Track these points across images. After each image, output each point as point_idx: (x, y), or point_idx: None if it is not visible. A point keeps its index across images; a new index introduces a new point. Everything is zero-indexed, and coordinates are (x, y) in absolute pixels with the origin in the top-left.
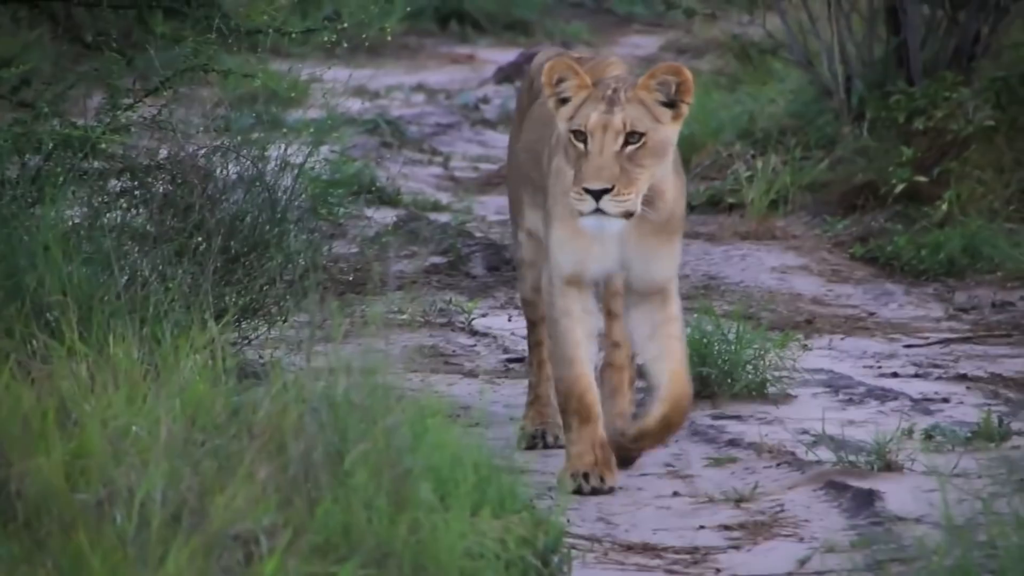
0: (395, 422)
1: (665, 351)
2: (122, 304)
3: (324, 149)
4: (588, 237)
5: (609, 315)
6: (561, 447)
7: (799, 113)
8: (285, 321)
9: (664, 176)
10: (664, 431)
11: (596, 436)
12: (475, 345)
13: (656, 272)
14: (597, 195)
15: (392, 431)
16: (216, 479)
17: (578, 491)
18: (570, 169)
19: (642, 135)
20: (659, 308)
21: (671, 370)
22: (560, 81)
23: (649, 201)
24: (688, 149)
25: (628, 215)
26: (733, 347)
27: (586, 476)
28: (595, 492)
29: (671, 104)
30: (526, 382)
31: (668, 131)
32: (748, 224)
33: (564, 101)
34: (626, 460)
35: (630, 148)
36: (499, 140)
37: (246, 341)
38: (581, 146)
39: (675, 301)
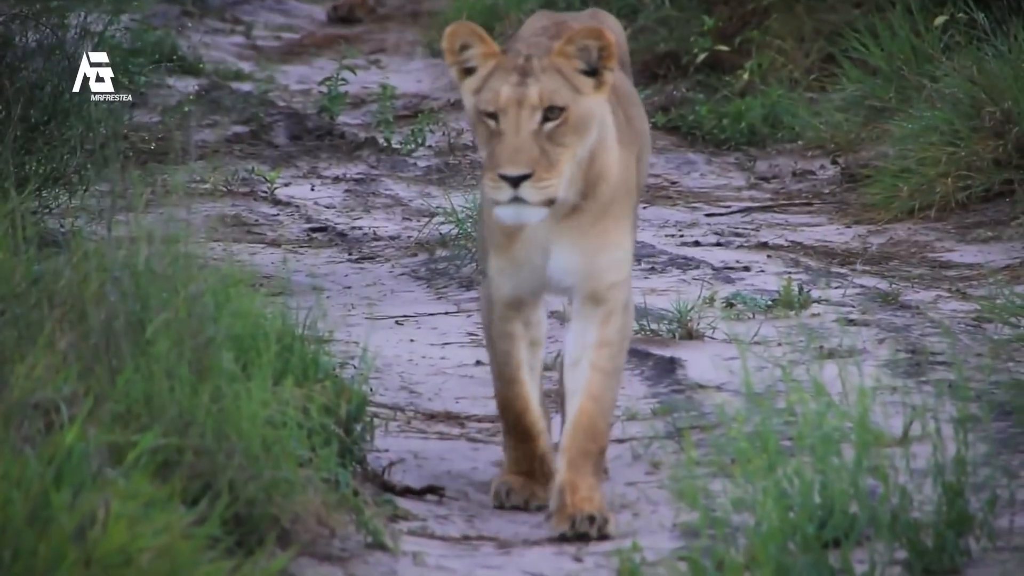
0: (197, 291)
1: (583, 386)
2: None
3: (124, 18)
4: (520, 246)
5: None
6: None
7: None
8: (86, 190)
9: (599, 152)
10: (570, 493)
11: (534, 452)
12: (278, 214)
13: (597, 273)
14: (514, 182)
15: (194, 300)
16: (16, 348)
17: (499, 506)
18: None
19: (562, 110)
20: (594, 328)
21: (575, 417)
22: (463, 48)
23: (588, 184)
24: (491, 18)
25: (550, 203)
26: None
27: (508, 493)
28: (516, 509)
29: (592, 72)
30: (329, 251)
31: (591, 103)
32: None
33: (469, 72)
34: None
35: (549, 125)
36: (302, 9)
37: (47, 210)
38: (493, 124)
39: (616, 319)
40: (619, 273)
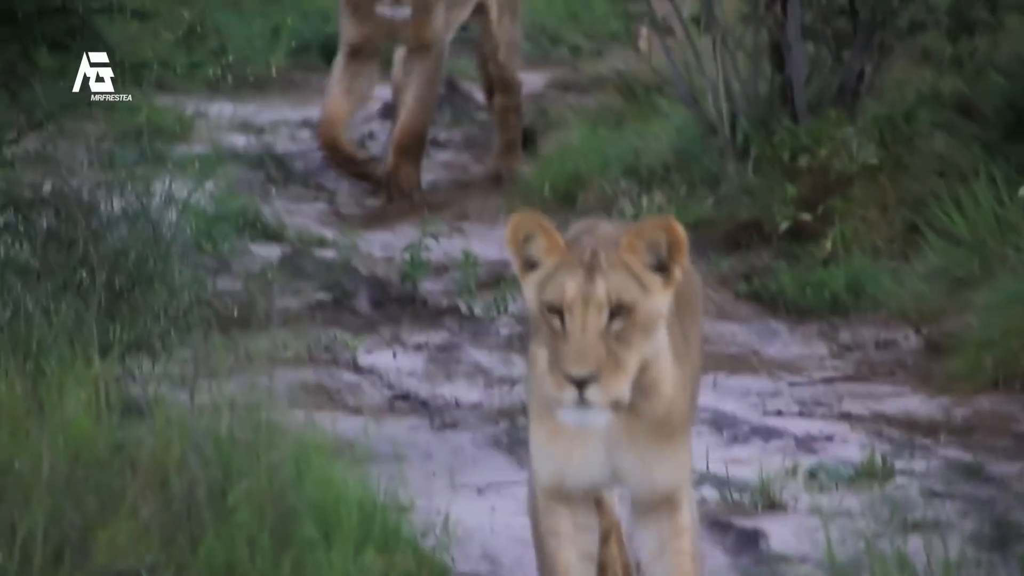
0: (279, 459)
1: (673, 570)
2: (5, 339)
3: (209, 184)
4: (570, 438)
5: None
6: None
7: (684, 150)
8: (169, 357)
9: (656, 358)
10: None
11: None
12: (359, 382)
13: (659, 480)
14: (580, 383)
15: (276, 468)
16: (99, 516)
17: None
18: (544, 351)
19: (630, 308)
20: (666, 520)
21: None
22: (527, 240)
23: (641, 392)
24: (574, 186)
25: (617, 405)
26: None
27: None
28: None
29: (661, 268)
30: (411, 419)
31: (658, 301)
32: None
33: (532, 265)
34: None
35: (616, 324)
36: None
37: (130, 376)
38: (557, 322)
39: (685, 510)
40: (681, 475)
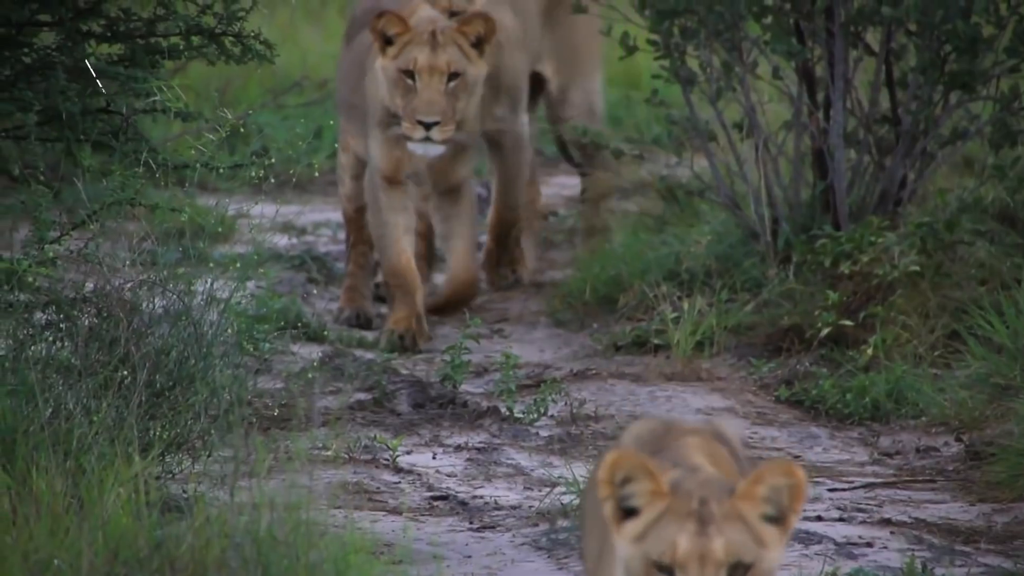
0: (318, 558)
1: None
2: (46, 437)
3: (251, 285)
4: None
5: None
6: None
7: (725, 255)
8: (209, 455)
9: None
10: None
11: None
12: (399, 482)
13: None
14: None
15: (315, 567)
16: None
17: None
18: None
19: (747, 568)
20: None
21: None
22: (626, 482)
23: None
24: (615, 289)
25: None
26: None
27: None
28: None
29: (779, 518)
30: (451, 520)
31: (776, 557)
32: (674, 365)
33: (631, 512)
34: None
35: None
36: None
37: (170, 475)
38: None
39: None
40: None
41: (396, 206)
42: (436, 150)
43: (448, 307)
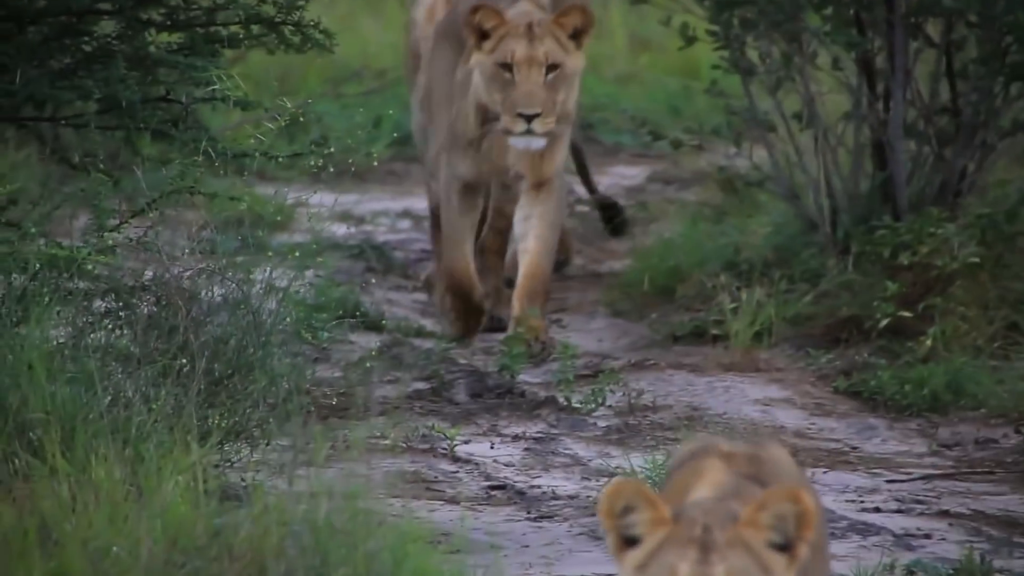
0: (376, 547)
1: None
2: (105, 424)
3: (309, 273)
4: None
5: None
6: None
7: (784, 246)
8: (268, 444)
9: None
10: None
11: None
12: (457, 471)
13: None
14: None
15: (373, 556)
16: None
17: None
18: None
19: None
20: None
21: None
22: (627, 511)
23: None
24: (673, 280)
25: None
26: None
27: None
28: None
29: (787, 545)
30: (508, 510)
31: None
32: (732, 356)
33: (631, 542)
34: None
35: None
36: None
37: (228, 463)
38: None
39: None
40: None
41: (468, 207)
42: (538, 143)
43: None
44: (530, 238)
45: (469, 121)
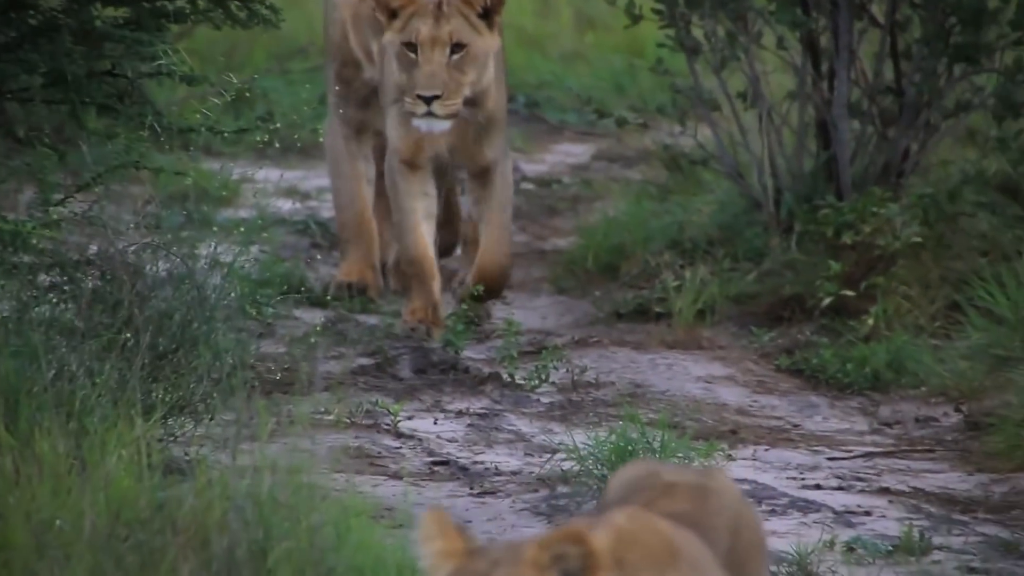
0: (319, 521)
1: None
2: (49, 398)
3: (254, 249)
4: None
5: None
6: None
7: (728, 224)
8: (212, 418)
9: None
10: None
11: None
12: (400, 447)
13: None
14: None
15: (316, 530)
16: (139, 574)
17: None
18: None
19: None
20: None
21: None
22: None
23: None
24: (617, 258)
25: None
26: (658, 455)
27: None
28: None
29: None
30: (451, 485)
31: None
32: (675, 333)
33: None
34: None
35: None
36: None
37: (172, 437)
38: None
39: None
40: None
41: (415, 191)
42: (440, 126)
43: (478, 298)
44: (482, 225)
45: (389, 100)
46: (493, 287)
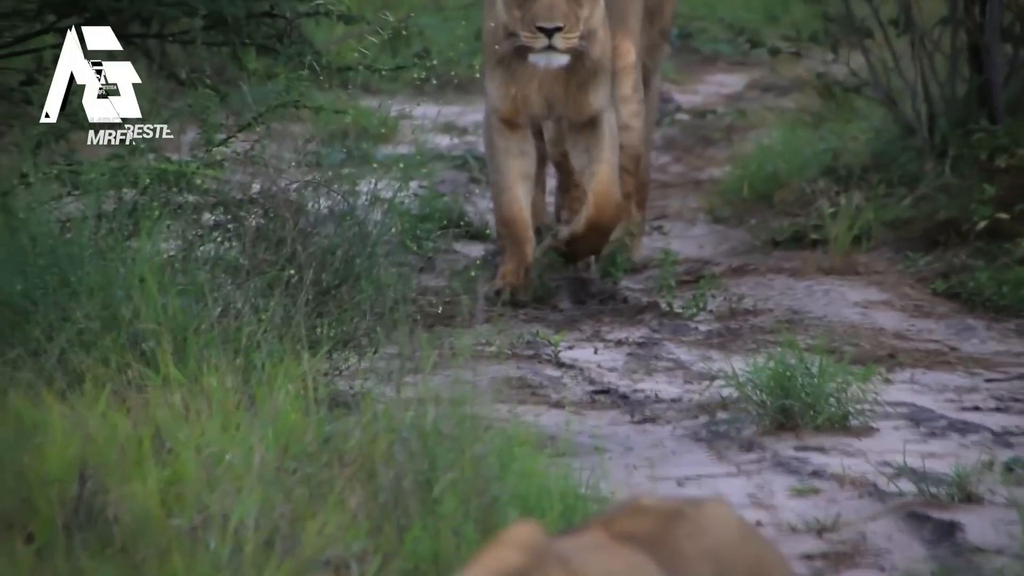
0: (483, 451)
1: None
2: (216, 335)
3: (414, 184)
4: None
5: None
6: None
7: (882, 151)
8: (375, 352)
9: None
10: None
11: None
12: (561, 377)
13: None
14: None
15: (480, 460)
16: (308, 506)
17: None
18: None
19: None
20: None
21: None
22: None
23: None
24: (772, 186)
25: None
26: (816, 380)
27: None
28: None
29: None
30: (612, 413)
31: None
32: (831, 260)
33: None
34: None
35: None
36: None
37: (337, 372)
38: None
39: None
40: None
41: (513, 150)
42: (559, 60)
43: (589, 233)
44: (593, 165)
45: (496, 41)
46: (606, 224)
